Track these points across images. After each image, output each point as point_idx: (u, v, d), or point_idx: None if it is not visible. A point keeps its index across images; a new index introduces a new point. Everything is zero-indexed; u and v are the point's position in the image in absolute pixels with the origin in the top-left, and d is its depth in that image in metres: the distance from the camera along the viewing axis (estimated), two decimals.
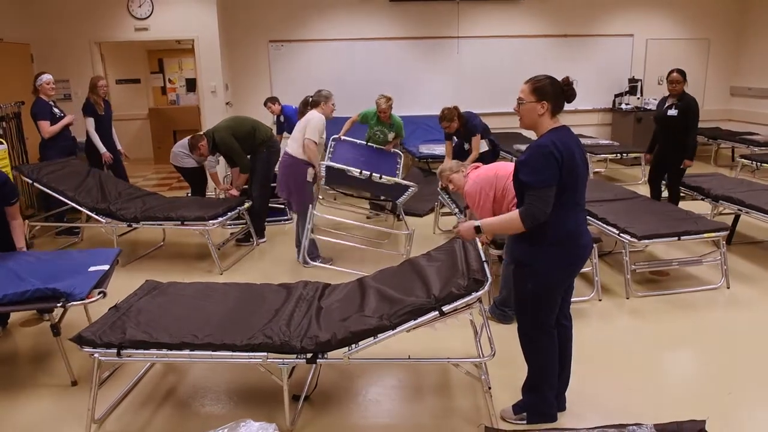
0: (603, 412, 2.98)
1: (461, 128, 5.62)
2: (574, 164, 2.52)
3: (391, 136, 6.30)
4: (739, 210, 5.08)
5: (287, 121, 7.74)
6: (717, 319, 4.06)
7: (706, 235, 4.45)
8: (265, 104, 7.88)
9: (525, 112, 2.60)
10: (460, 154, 5.73)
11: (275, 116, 7.95)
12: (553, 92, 2.55)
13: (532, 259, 2.63)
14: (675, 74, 5.48)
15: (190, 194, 6.54)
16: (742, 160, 7.90)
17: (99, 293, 3.29)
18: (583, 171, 2.59)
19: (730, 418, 2.91)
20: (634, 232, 4.32)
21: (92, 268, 3.51)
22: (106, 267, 3.54)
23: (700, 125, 9.86)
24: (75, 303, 3.17)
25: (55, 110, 6.08)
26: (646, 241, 4.36)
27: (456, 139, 5.83)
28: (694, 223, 4.54)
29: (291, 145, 5.06)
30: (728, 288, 4.53)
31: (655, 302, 4.32)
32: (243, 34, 9.06)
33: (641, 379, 3.29)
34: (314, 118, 4.99)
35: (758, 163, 7.42)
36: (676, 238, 4.39)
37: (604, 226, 4.60)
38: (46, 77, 5.98)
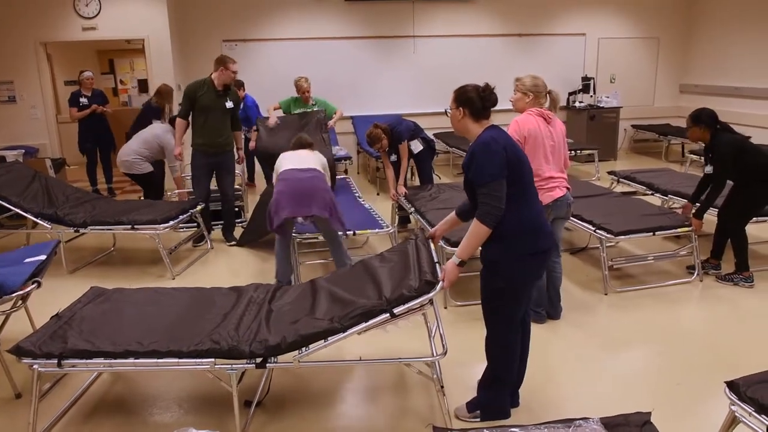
0: (557, 407, 3.00)
1: (390, 140, 5.46)
2: (519, 156, 2.57)
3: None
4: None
5: (247, 112, 7.36)
6: (691, 311, 4.12)
7: (680, 229, 4.54)
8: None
9: (451, 119, 2.74)
10: (395, 164, 5.63)
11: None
12: (471, 98, 2.64)
13: (499, 256, 2.65)
14: None
15: (142, 197, 6.38)
16: (692, 155, 8.15)
17: (33, 283, 3.17)
18: (529, 163, 2.65)
19: (677, 408, 2.97)
20: (610, 228, 4.37)
21: (28, 260, 3.37)
22: (43, 257, 3.40)
23: (652, 122, 10.24)
24: (6, 297, 3.05)
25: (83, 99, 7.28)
26: (622, 237, 4.41)
27: (394, 156, 5.60)
28: (666, 219, 4.64)
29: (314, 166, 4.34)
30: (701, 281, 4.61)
31: (629, 298, 4.36)
32: (195, 34, 8.89)
33: (599, 375, 3.33)
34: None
35: None
36: (651, 233, 4.48)
37: (579, 222, 4.65)
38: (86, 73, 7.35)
